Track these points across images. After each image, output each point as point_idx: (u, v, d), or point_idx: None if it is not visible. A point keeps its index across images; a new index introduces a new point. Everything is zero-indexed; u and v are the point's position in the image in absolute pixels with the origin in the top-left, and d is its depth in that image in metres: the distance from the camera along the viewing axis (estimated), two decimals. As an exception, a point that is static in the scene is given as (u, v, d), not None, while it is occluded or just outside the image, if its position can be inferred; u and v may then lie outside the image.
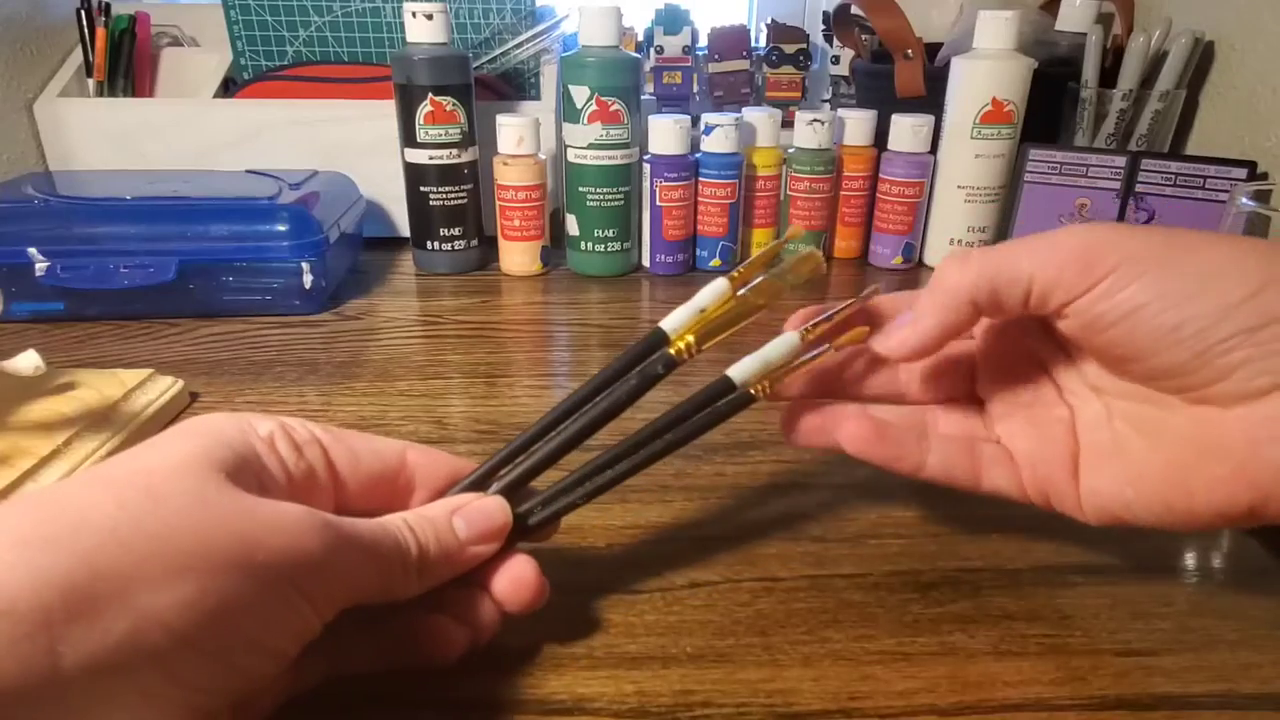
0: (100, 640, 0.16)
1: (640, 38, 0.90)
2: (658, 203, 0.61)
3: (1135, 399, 0.24)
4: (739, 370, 0.27)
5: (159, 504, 0.18)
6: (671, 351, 0.27)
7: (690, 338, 0.27)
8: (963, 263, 0.24)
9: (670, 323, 0.27)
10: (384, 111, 0.62)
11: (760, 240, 0.66)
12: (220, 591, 0.17)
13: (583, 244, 0.63)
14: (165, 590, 0.17)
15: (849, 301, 0.28)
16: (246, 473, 0.21)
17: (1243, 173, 0.57)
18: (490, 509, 0.25)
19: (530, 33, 0.68)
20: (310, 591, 0.19)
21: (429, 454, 0.26)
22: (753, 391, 0.27)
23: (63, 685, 0.15)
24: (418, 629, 0.24)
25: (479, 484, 0.26)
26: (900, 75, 0.68)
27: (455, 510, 0.24)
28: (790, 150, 0.64)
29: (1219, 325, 0.21)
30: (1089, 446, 0.26)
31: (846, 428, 0.26)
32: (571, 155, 0.61)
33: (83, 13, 0.66)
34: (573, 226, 0.63)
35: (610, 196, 0.61)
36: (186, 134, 0.66)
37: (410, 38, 0.57)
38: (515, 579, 0.25)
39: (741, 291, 0.28)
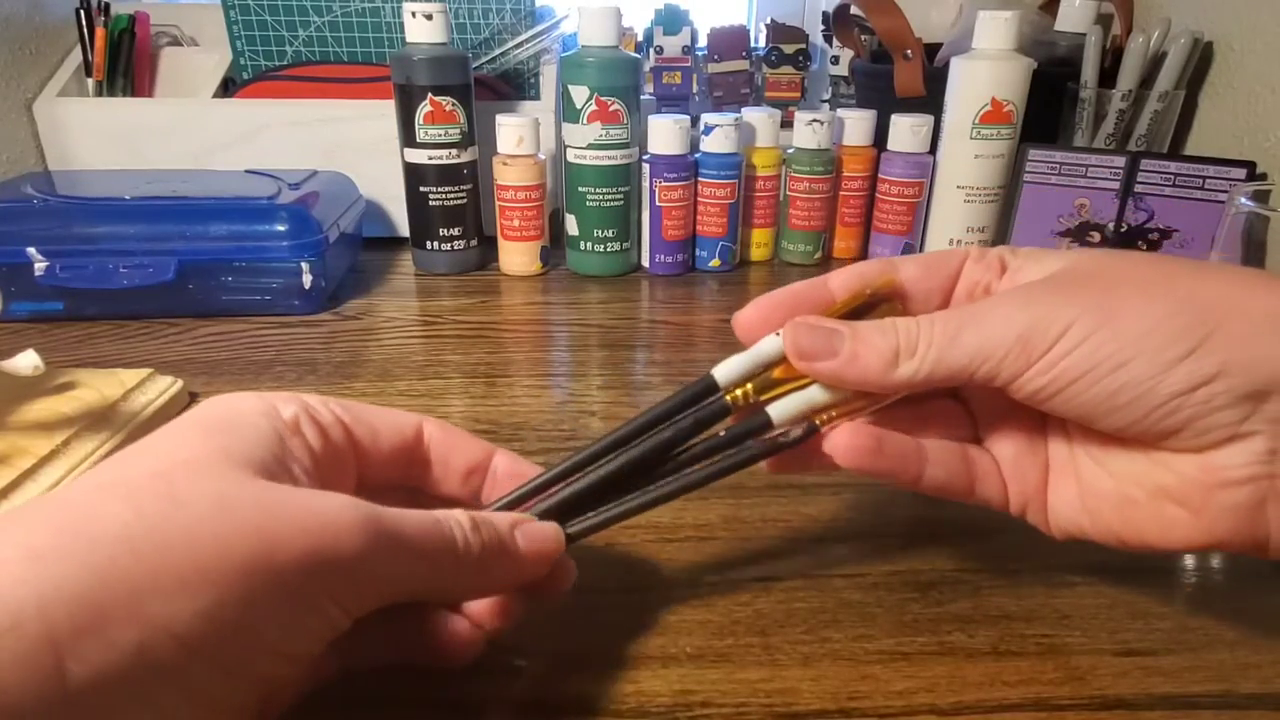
0: (105, 654, 0.15)
1: (640, 38, 0.90)
2: (657, 203, 0.62)
3: (1094, 433, 0.24)
4: (777, 410, 0.25)
5: (178, 510, 0.17)
6: (729, 399, 0.25)
7: (749, 386, 0.25)
8: (908, 360, 0.23)
9: (724, 372, 0.26)
10: (383, 111, 0.62)
11: (760, 240, 0.66)
12: (239, 599, 0.17)
13: (582, 244, 0.63)
14: (178, 601, 0.16)
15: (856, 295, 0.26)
16: (271, 463, 0.20)
17: (1242, 173, 0.57)
18: (548, 530, 0.24)
19: (530, 33, 0.68)
20: (340, 592, 0.19)
21: (444, 428, 0.26)
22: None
23: (71, 700, 0.15)
24: (437, 627, 0.23)
25: (514, 505, 0.26)
26: (900, 75, 0.68)
27: (516, 524, 0.23)
28: (790, 150, 0.64)
29: (1155, 390, 0.21)
30: (1055, 465, 0.26)
31: (841, 440, 0.25)
32: (571, 155, 0.61)
33: (82, 12, 0.66)
34: (572, 226, 0.63)
35: (610, 196, 0.61)
36: (186, 134, 0.66)
37: (410, 38, 0.57)
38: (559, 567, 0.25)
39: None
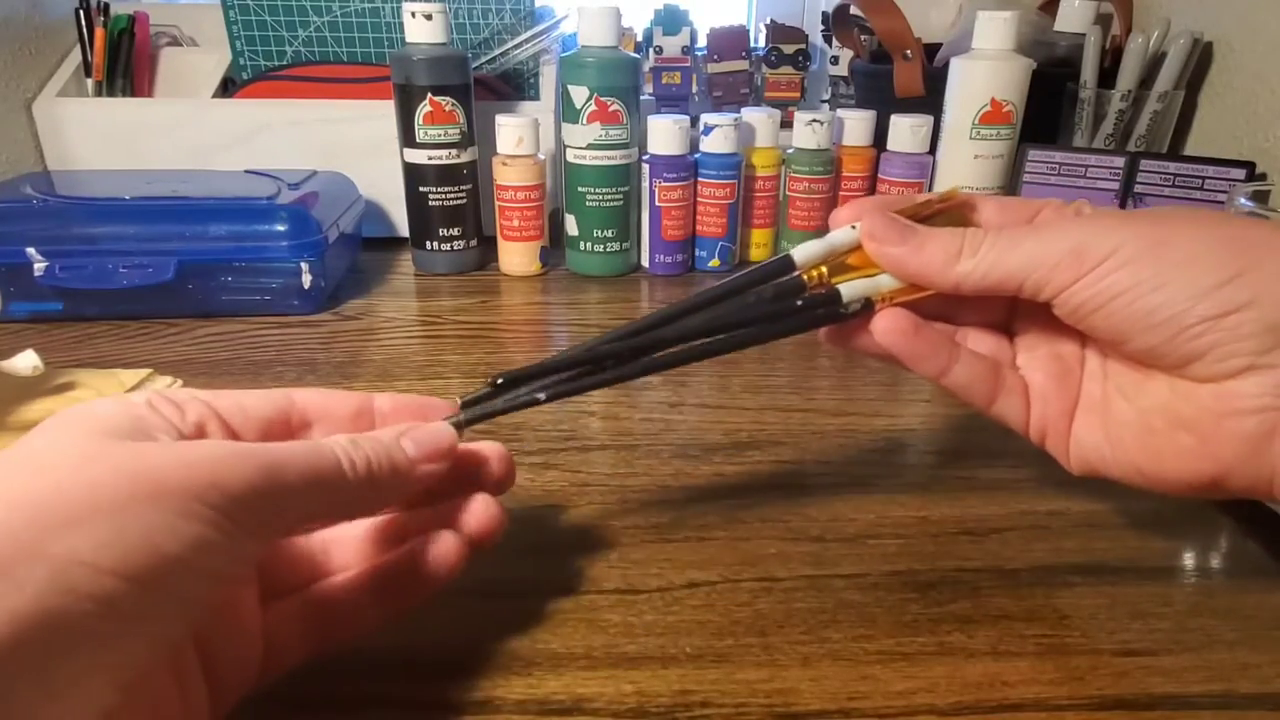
0: (18, 591, 0.15)
1: (639, 38, 0.90)
2: (657, 203, 0.62)
3: (1127, 363, 0.26)
4: (847, 289, 0.27)
5: (44, 466, 0.18)
6: (804, 277, 0.27)
7: (824, 268, 0.27)
8: (969, 257, 0.25)
9: (802, 252, 0.27)
10: (383, 111, 0.62)
11: (759, 240, 0.67)
12: (136, 525, 0.17)
13: (582, 244, 0.63)
14: (74, 535, 0.16)
15: (927, 198, 0.28)
16: (135, 433, 0.20)
17: (1241, 173, 0.57)
18: (437, 430, 0.25)
19: (529, 33, 0.68)
20: (236, 515, 0.19)
21: (318, 391, 0.26)
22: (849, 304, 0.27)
23: (7, 650, 0.15)
24: (400, 561, 0.25)
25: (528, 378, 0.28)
26: (899, 76, 0.68)
27: (403, 434, 0.24)
28: (789, 150, 0.64)
29: (1188, 311, 0.22)
30: (1085, 397, 0.27)
31: (882, 319, 0.27)
32: (570, 155, 0.61)
33: (81, 13, 0.66)
34: (572, 227, 0.63)
35: (609, 197, 0.61)
36: (185, 134, 0.66)
37: (409, 38, 0.57)
38: (484, 517, 0.26)
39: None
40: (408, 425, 0.25)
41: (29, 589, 0.15)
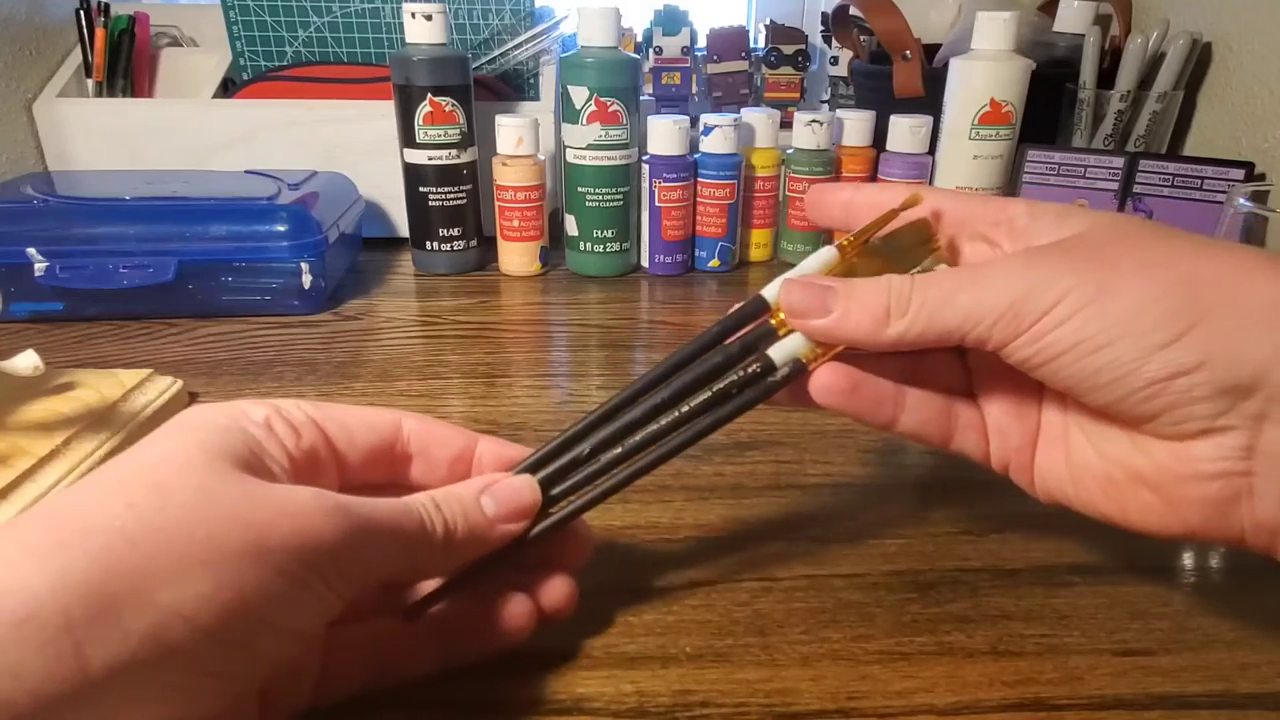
0: (123, 640, 0.16)
1: (639, 38, 0.90)
2: (656, 203, 0.62)
3: (1085, 406, 0.24)
4: (779, 350, 0.25)
5: (166, 500, 0.18)
6: (774, 323, 0.26)
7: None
8: (899, 319, 0.23)
9: (772, 290, 0.26)
10: (383, 112, 0.62)
11: (759, 240, 0.67)
12: (235, 581, 0.17)
13: (581, 244, 0.63)
14: (181, 585, 0.17)
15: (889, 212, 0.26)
16: (250, 459, 0.20)
17: (1240, 173, 0.58)
18: (519, 486, 0.25)
19: (529, 33, 0.68)
20: (327, 574, 0.19)
21: (424, 421, 0.26)
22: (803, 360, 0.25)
23: (94, 686, 0.15)
24: (474, 618, 0.25)
25: (536, 467, 0.26)
26: (898, 76, 0.68)
27: (484, 488, 0.24)
28: (789, 151, 0.64)
29: (1135, 374, 0.21)
30: (1046, 430, 0.26)
31: (819, 378, 0.25)
32: (570, 156, 0.61)
33: (82, 13, 0.66)
34: (572, 227, 0.63)
35: (609, 197, 0.61)
36: (185, 134, 0.65)
37: (409, 38, 0.57)
38: (559, 596, 0.26)
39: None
40: (492, 478, 0.25)
41: (134, 638, 0.16)
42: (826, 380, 0.25)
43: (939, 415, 0.26)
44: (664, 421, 0.25)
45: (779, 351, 0.25)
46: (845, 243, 0.26)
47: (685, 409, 0.25)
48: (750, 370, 0.25)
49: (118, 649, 0.16)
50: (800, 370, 0.25)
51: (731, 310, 0.26)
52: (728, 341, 0.26)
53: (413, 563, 0.22)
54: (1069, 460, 0.25)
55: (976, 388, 0.27)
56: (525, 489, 0.25)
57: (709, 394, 0.25)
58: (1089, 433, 0.24)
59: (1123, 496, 0.23)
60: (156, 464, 0.19)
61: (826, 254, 0.26)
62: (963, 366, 0.27)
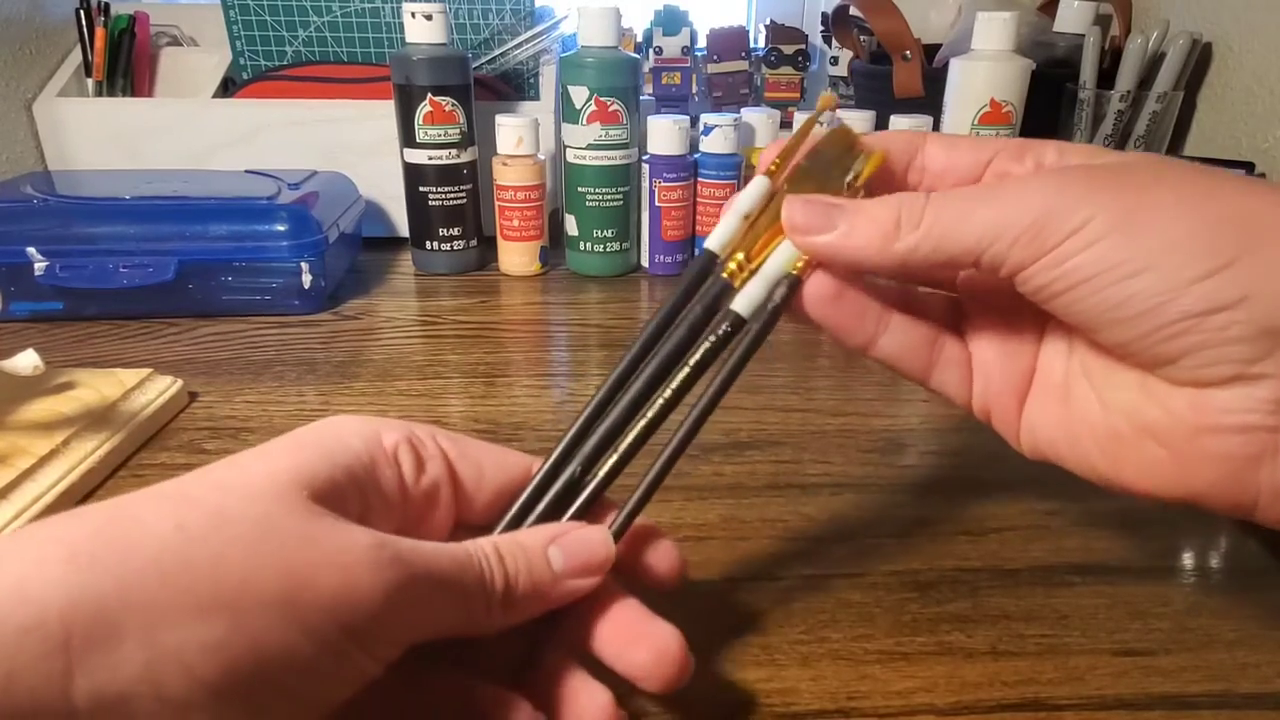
0: (111, 673, 0.14)
1: (639, 38, 0.90)
2: (656, 203, 0.62)
3: (1097, 347, 0.22)
4: (743, 300, 0.24)
5: (218, 531, 0.16)
6: (725, 276, 0.24)
7: (740, 256, 0.24)
8: (910, 231, 0.21)
9: (717, 239, 0.24)
10: (383, 111, 0.62)
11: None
12: (253, 635, 0.16)
13: (582, 244, 0.63)
14: (190, 628, 0.15)
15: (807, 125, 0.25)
16: (348, 490, 0.19)
17: (1240, 174, 0.57)
18: (592, 539, 0.22)
19: (529, 33, 0.68)
20: (366, 638, 0.17)
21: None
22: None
23: (72, 714, 0.14)
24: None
25: (547, 482, 0.24)
26: (898, 76, 0.68)
27: (553, 539, 0.22)
28: (789, 151, 0.64)
29: (1167, 305, 0.18)
30: (1042, 378, 0.24)
31: (810, 285, 0.23)
32: (570, 156, 0.61)
33: (82, 13, 0.66)
34: (572, 227, 0.63)
35: (609, 197, 0.61)
36: (185, 134, 0.65)
37: (409, 38, 0.57)
38: (659, 651, 0.21)
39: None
40: (562, 528, 0.22)
41: (122, 676, 0.14)
42: (810, 287, 0.23)
43: (922, 344, 0.24)
44: (657, 406, 0.24)
45: (742, 302, 0.24)
46: (773, 167, 0.24)
47: (670, 392, 0.24)
48: (722, 331, 0.24)
49: (104, 681, 0.14)
50: (796, 284, 0.23)
51: (684, 272, 0.24)
52: (689, 306, 0.24)
53: (465, 620, 0.20)
54: (1065, 413, 0.23)
55: (967, 327, 0.25)
56: (599, 543, 0.22)
57: (689, 369, 0.24)
58: (1094, 378, 0.22)
59: (1124, 452, 0.21)
60: (232, 486, 0.18)
61: (759, 183, 0.24)
62: (954, 306, 0.26)
